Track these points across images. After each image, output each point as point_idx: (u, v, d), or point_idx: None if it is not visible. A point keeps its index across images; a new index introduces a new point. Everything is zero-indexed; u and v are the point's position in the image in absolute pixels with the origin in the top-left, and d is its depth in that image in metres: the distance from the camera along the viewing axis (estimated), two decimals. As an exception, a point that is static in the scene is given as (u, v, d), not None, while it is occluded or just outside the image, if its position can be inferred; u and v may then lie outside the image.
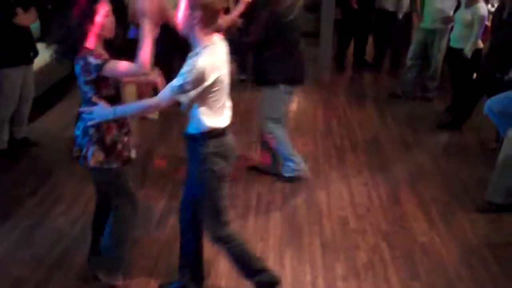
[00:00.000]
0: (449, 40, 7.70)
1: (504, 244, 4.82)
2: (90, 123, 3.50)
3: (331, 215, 5.15)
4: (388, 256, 4.57)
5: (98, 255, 4.09)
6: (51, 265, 4.32)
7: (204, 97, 3.35)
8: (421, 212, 5.25)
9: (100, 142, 3.60)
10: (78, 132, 3.66)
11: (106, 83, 3.53)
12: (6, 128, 5.98)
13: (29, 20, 5.74)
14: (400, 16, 9.27)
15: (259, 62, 5.47)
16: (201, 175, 3.56)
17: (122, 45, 3.97)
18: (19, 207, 5.10)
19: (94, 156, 3.61)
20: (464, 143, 6.87)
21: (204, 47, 3.30)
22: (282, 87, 5.40)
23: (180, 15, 3.31)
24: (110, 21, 3.54)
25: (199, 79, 3.23)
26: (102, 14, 3.45)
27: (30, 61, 5.97)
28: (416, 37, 8.30)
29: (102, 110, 3.44)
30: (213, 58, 3.31)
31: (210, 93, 3.36)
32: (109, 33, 3.57)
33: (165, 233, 4.73)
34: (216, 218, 3.69)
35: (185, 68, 3.23)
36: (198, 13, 3.22)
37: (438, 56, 8.06)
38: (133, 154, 3.87)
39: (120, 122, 3.68)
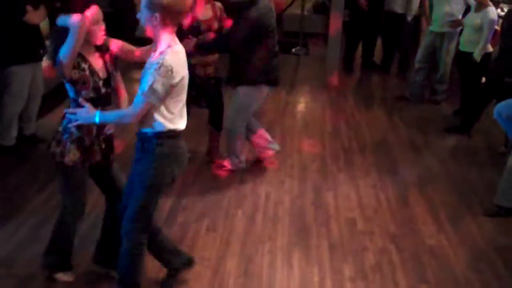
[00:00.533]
0: (458, 43, 7.69)
1: (512, 248, 4.81)
2: (72, 124, 3.49)
3: (339, 216, 5.14)
4: (396, 258, 4.56)
5: (104, 253, 4.11)
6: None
7: (166, 97, 3.34)
8: (430, 215, 5.23)
9: (79, 142, 3.63)
10: (60, 129, 3.68)
11: (84, 85, 3.52)
12: (15, 124, 5.98)
13: (39, 18, 5.74)
14: (409, 18, 9.25)
15: (240, 63, 5.48)
16: (149, 174, 3.50)
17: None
18: (27, 204, 5.10)
19: (70, 155, 3.63)
20: (473, 147, 6.86)
21: (168, 47, 3.32)
22: (263, 87, 5.50)
23: (142, 16, 3.33)
24: (98, 28, 3.53)
25: (168, 77, 3.25)
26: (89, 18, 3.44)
27: (39, 58, 5.98)
28: (424, 40, 8.30)
29: (86, 113, 3.41)
30: (178, 57, 3.34)
31: (173, 93, 3.36)
32: (96, 40, 3.56)
33: (172, 230, 4.72)
34: (143, 221, 3.64)
35: (151, 69, 3.24)
36: (157, 15, 3.24)
37: (447, 59, 8.05)
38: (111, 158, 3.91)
39: (101, 127, 3.70)
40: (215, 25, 5.47)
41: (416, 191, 5.66)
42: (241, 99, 5.57)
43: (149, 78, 3.22)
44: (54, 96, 7.24)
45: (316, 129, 7.16)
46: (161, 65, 3.21)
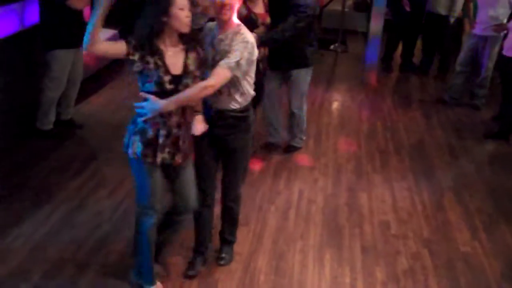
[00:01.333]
0: (501, 48, 7.55)
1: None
2: (141, 118, 3.45)
3: (372, 218, 5.09)
4: (429, 264, 4.50)
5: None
6: (92, 248, 4.35)
7: (248, 72, 3.69)
8: (465, 221, 5.16)
9: (142, 133, 3.53)
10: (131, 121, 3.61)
11: (147, 78, 3.42)
12: (53, 109, 6.03)
13: (82, 3, 5.75)
14: (452, 20, 9.11)
15: (298, 47, 5.71)
16: (246, 143, 3.94)
17: None
18: (61, 189, 5.14)
19: (134, 146, 3.55)
20: (511, 154, 6.73)
21: (239, 26, 3.64)
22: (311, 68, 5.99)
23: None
24: (184, 14, 3.40)
25: (251, 52, 3.58)
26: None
27: (81, 44, 5.98)
28: (467, 43, 8.16)
29: (152, 104, 3.39)
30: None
31: (250, 70, 3.70)
32: (180, 27, 3.42)
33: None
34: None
35: (236, 45, 3.52)
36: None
37: (489, 64, 7.91)
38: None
39: (166, 122, 3.52)
40: (268, 19, 5.39)
41: (452, 196, 5.58)
42: (302, 83, 5.97)
43: (235, 53, 3.48)
44: (93, 83, 7.32)
45: (352, 128, 7.09)
46: (246, 42, 3.53)
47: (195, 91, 3.45)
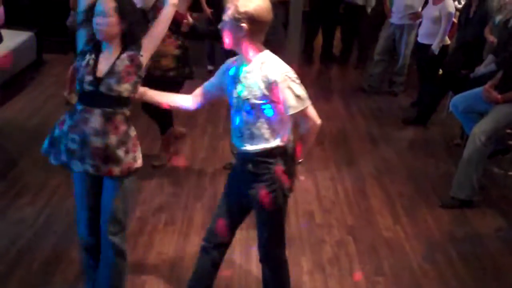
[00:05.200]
0: (417, 35, 7.76)
1: (467, 239, 4.89)
2: None
3: (297, 209, 5.15)
4: (354, 250, 4.60)
5: None
6: (14, 258, 4.24)
7: None
8: (387, 206, 5.29)
9: None
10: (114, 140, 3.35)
11: (78, 75, 3.32)
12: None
13: None
14: (369, 10, 9.29)
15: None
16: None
17: None
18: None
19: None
20: (429, 139, 6.94)
21: (266, 56, 3.18)
22: None
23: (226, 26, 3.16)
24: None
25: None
26: None
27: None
28: (384, 32, 8.34)
29: None
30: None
31: None
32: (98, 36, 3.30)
33: (130, 225, 4.66)
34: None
35: (282, 82, 3.08)
36: (245, 26, 3.07)
37: (406, 51, 8.12)
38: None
39: None
40: (190, 19, 5.30)
41: (374, 182, 5.72)
42: None
43: (299, 86, 3.12)
44: (8, 88, 7.12)
45: (275, 121, 7.13)
46: (293, 73, 3.14)
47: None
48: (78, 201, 3.55)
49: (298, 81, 3.14)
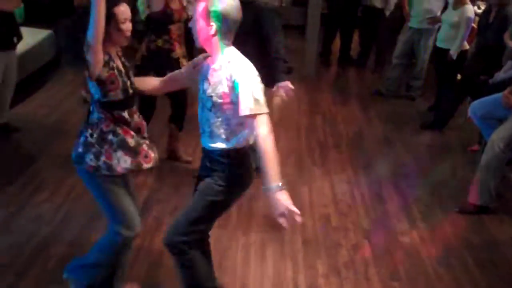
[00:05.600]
0: (435, 40, 7.73)
1: (483, 245, 4.86)
2: None
3: (313, 212, 5.15)
4: (369, 254, 4.59)
5: None
6: (31, 254, 4.27)
7: None
8: (403, 211, 5.27)
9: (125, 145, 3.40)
10: (90, 140, 3.36)
11: (112, 85, 3.26)
12: (-13, 113, 5.90)
13: (11, 4, 5.61)
14: (387, 13, 9.27)
15: None
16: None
17: None
18: (-2, 194, 5.04)
19: (121, 162, 3.39)
20: (447, 144, 6.91)
21: (234, 56, 3.20)
22: None
23: (195, 26, 3.17)
24: (125, 27, 3.26)
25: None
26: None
27: (12, 46, 5.87)
28: (402, 36, 8.32)
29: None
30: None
31: None
32: (121, 41, 3.30)
33: (147, 224, 4.68)
34: None
35: (244, 84, 3.06)
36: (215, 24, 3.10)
37: (424, 55, 8.09)
38: None
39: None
40: (184, 15, 5.31)
41: (390, 187, 5.70)
42: None
43: (255, 90, 3.08)
44: (28, 85, 7.17)
45: (291, 123, 7.15)
46: (253, 75, 3.12)
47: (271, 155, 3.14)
48: None
49: (260, 85, 3.14)
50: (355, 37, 10.04)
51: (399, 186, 5.73)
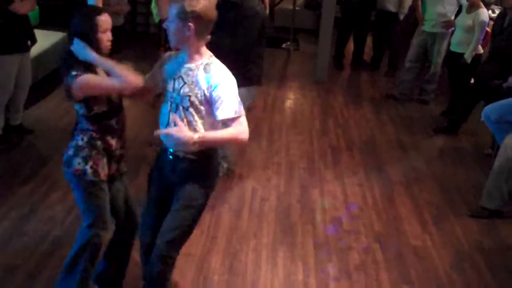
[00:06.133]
0: (449, 44, 7.71)
1: (496, 250, 4.84)
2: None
3: (324, 215, 5.15)
4: (381, 258, 4.58)
5: None
6: (43, 255, 4.30)
7: None
8: (415, 215, 5.26)
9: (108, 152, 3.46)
10: (80, 143, 3.44)
11: (95, 100, 3.30)
12: (1, 115, 5.92)
13: (25, 7, 5.64)
14: (401, 17, 9.25)
15: None
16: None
17: None
18: (11, 196, 5.05)
19: (105, 169, 3.48)
20: (460, 148, 6.88)
21: (210, 56, 3.25)
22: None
23: (172, 26, 3.17)
24: (106, 37, 3.31)
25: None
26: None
27: (26, 49, 5.90)
28: (416, 40, 8.29)
29: (181, 133, 3.10)
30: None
31: None
32: (103, 49, 3.32)
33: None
34: None
35: (226, 86, 3.15)
36: (191, 24, 3.10)
37: (438, 59, 8.06)
38: None
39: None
40: None
41: (402, 190, 5.69)
42: None
43: (234, 96, 3.15)
44: (42, 87, 7.23)
45: (304, 126, 7.15)
46: (231, 81, 3.18)
47: (230, 139, 3.27)
48: None
49: (236, 90, 3.19)
50: (368, 41, 10.02)
51: (411, 189, 5.71)
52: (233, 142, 3.40)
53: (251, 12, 4.97)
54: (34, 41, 5.96)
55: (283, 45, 10.86)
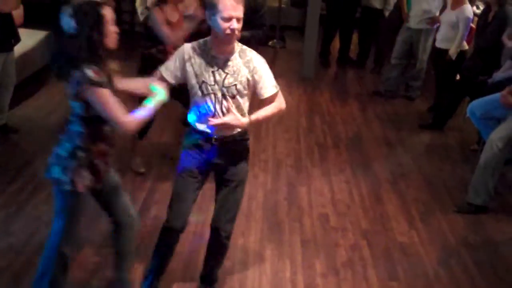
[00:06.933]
0: (434, 40, 7.74)
1: (482, 245, 4.87)
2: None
3: (312, 212, 5.15)
4: (368, 255, 4.59)
5: None
6: (30, 255, 4.26)
7: None
8: (402, 211, 5.28)
9: (91, 166, 3.34)
10: (62, 153, 3.37)
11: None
12: (-14, 114, 5.90)
13: (8, 6, 5.58)
14: (387, 14, 9.26)
15: None
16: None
17: None
18: (-3, 196, 5.03)
19: (85, 180, 3.34)
20: (446, 144, 6.91)
21: (238, 44, 3.46)
22: None
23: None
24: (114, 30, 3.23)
25: None
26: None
27: (10, 48, 5.85)
28: (401, 36, 8.31)
29: (236, 120, 3.41)
30: None
31: None
32: (110, 43, 3.23)
33: (145, 224, 4.68)
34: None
35: (264, 66, 3.47)
36: None
37: (423, 56, 8.09)
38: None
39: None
40: None
41: (389, 187, 5.71)
42: None
43: (270, 73, 3.50)
44: (26, 86, 7.17)
45: (291, 124, 7.14)
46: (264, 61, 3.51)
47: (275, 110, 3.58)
48: None
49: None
50: (354, 38, 10.03)
51: (397, 186, 5.73)
52: (277, 114, 3.65)
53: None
54: (17, 39, 5.91)
55: (270, 43, 10.86)
